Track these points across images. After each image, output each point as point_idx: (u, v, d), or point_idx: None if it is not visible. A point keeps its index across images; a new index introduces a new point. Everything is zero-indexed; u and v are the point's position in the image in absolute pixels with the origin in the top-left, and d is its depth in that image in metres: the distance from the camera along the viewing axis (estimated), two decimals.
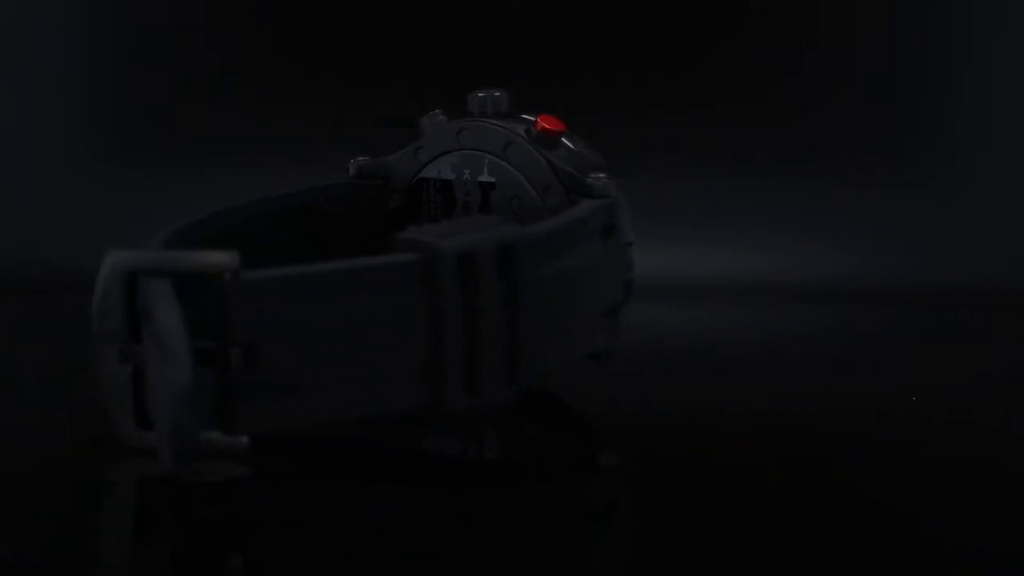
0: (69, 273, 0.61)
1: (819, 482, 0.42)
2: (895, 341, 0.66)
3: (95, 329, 0.39)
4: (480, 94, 0.49)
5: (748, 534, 0.37)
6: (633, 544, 0.37)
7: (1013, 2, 0.85)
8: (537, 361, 0.42)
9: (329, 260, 0.39)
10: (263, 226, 0.50)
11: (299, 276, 0.38)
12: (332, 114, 0.83)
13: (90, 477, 0.42)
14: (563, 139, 0.48)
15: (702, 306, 0.75)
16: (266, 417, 0.38)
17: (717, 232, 0.81)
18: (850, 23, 0.85)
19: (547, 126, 0.48)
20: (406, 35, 0.84)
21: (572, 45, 0.84)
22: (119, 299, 0.39)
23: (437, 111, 0.51)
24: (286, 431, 0.39)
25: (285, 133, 0.83)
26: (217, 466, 0.40)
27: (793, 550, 0.36)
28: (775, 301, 0.76)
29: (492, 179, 0.49)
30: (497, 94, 0.49)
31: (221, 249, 0.37)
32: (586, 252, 0.44)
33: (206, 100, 0.85)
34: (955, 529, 0.37)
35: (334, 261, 0.39)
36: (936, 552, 0.36)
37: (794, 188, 0.83)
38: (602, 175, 0.47)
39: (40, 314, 0.70)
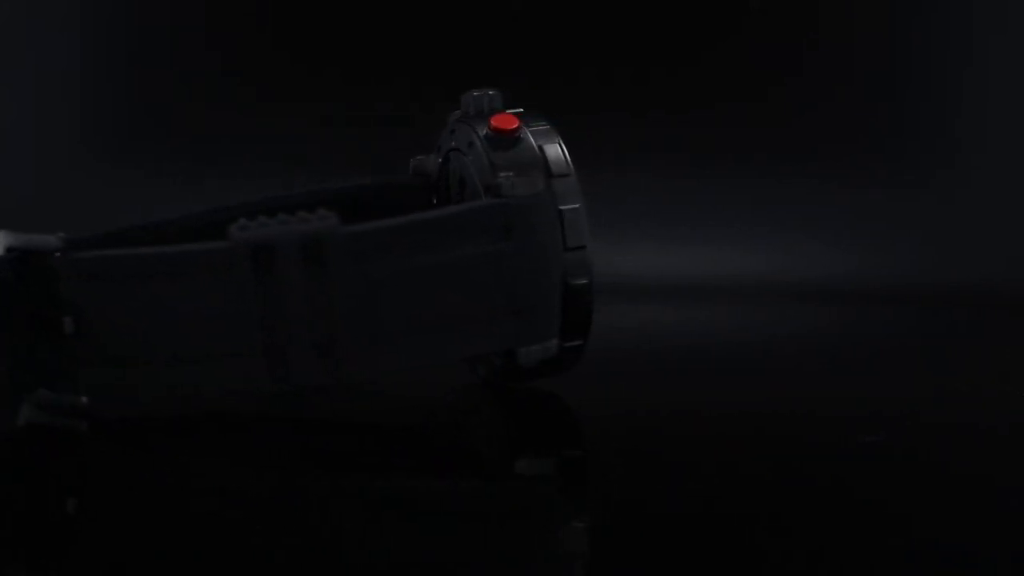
0: None
1: (805, 483, 0.42)
2: (894, 341, 0.66)
3: None
4: (471, 93, 0.49)
5: (715, 535, 0.36)
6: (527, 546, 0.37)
7: (1013, 2, 0.85)
8: (363, 354, 0.43)
9: None
10: None
11: (123, 257, 0.44)
12: (332, 114, 0.83)
13: None
14: (528, 138, 0.48)
15: (701, 306, 0.75)
16: (109, 385, 0.44)
17: (717, 232, 0.81)
18: (850, 23, 0.85)
19: (497, 125, 0.48)
20: (406, 35, 0.84)
21: (572, 45, 0.84)
22: None
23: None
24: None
25: (285, 133, 0.83)
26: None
27: (765, 552, 0.35)
28: (774, 301, 0.76)
29: (463, 176, 0.49)
30: (477, 93, 0.49)
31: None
32: (452, 251, 0.44)
33: (206, 100, 0.85)
34: (949, 531, 0.37)
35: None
36: (926, 554, 0.35)
37: (794, 188, 0.83)
38: (510, 174, 0.45)
39: None
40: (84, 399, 0.44)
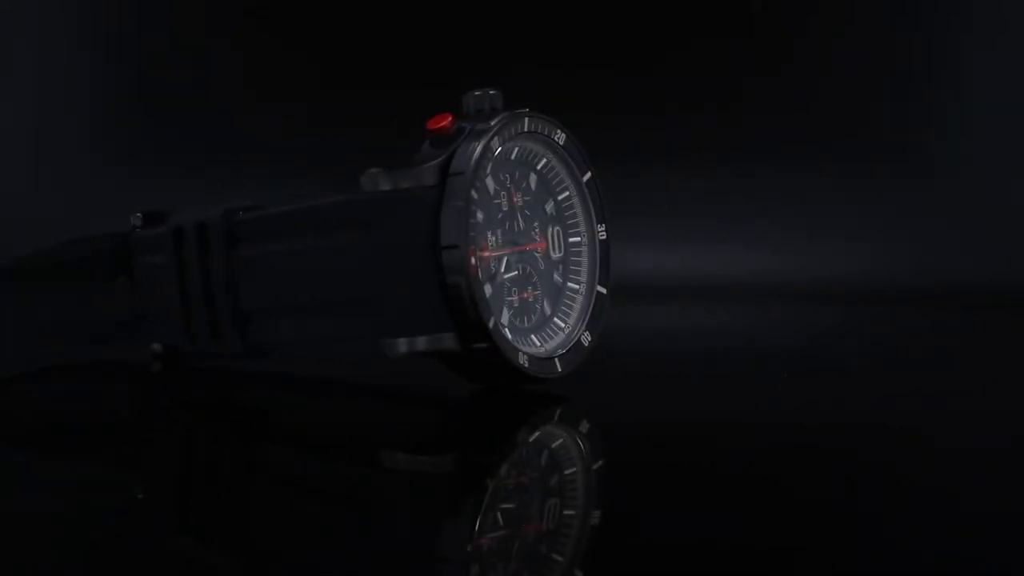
0: None
1: (804, 485, 0.42)
2: (895, 342, 0.66)
3: None
4: (472, 93, 0.49)
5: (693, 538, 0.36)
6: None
7: (1013, 2, 0.85)
8: (239, 330, 0.50)
9: None
10: None
11: (152, 235, 0.53)
12: (336, 115, 0.83)
13: None
14: (459, 136, 0.46)
15: (701, 306, 0.75)
16: (145, 334, 0.54)
17: (717, 232, 0.81)
18: (849, 22, 0.85)
19: (429, 124, 0.47)
20: (406, 36, 0.85)
21: (571, 45, 0.84)
22: None
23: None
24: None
25: (287, 133, 0.84)
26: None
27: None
28: (774, 301, 0.76)
29: None
30: (478, 93, 0.48)
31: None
32: (318, 240, 0.47)
33: (208, 101, 0.85)
34: (949, 533, 0.37)
35: None
36: (925, 556, 0.35)
37: (796, 188, 0.83)
38: (376, 170, 0.45)
39: None
40: (156, 345, 0.55)
